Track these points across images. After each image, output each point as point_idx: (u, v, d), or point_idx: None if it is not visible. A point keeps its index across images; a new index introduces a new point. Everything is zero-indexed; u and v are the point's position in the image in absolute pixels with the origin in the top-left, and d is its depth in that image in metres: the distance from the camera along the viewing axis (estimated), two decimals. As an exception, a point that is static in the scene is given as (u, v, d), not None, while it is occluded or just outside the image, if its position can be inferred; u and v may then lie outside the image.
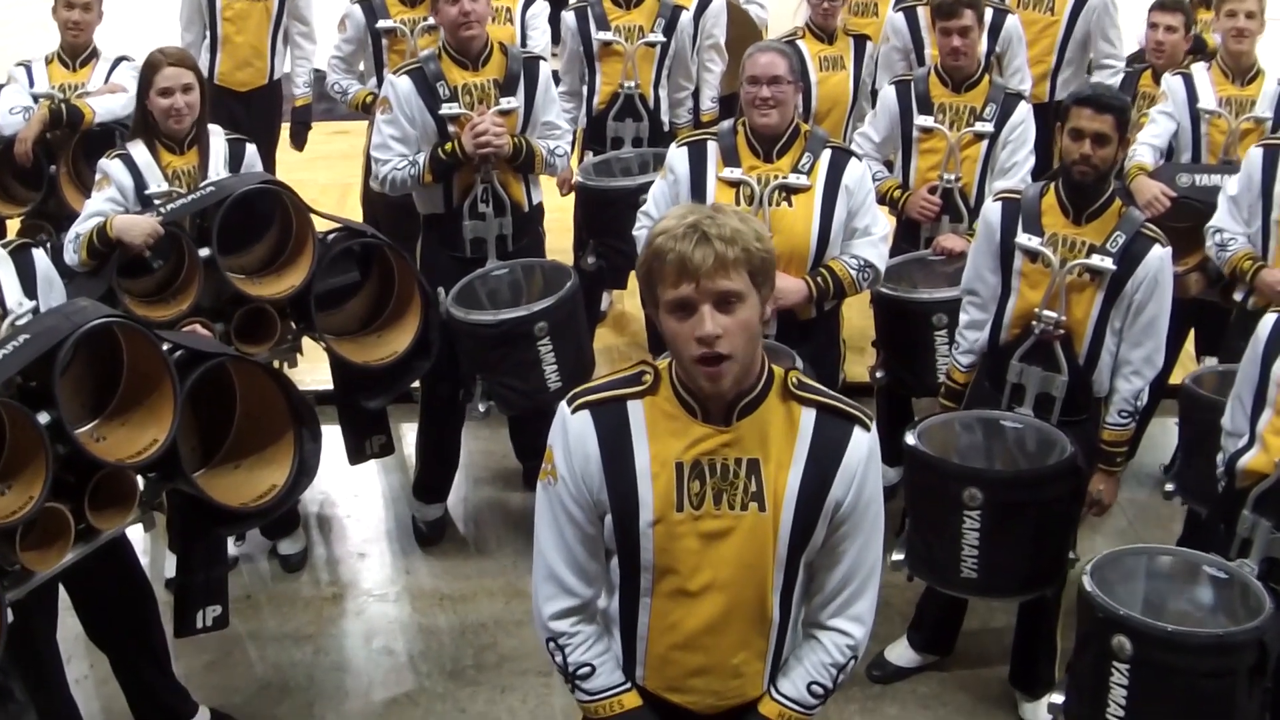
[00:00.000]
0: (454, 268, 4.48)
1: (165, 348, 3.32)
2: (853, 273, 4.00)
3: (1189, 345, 5.12)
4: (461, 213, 4.46)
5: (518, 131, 4.46)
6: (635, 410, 2.35)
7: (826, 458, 2.34)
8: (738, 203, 3.91)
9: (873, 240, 4.03)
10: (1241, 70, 4.89)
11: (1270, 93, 4.85)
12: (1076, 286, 3.67)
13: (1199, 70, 4.95)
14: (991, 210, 3.83)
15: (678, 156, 4.06)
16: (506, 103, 4.42)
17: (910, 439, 3.66)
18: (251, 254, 4.24)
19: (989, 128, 4.70)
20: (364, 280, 4.42)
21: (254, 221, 4.24)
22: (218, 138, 4.29)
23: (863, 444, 2.36)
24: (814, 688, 2.48)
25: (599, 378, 2.46)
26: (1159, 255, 3.62)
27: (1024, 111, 4.73)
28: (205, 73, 6.04)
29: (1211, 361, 4.55)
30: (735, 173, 3.96)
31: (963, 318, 3.99)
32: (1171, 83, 4.98)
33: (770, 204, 3.93)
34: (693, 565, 2.35)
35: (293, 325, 4.25)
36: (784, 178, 3.94)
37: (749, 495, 2.33)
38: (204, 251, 4.01)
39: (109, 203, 4.06)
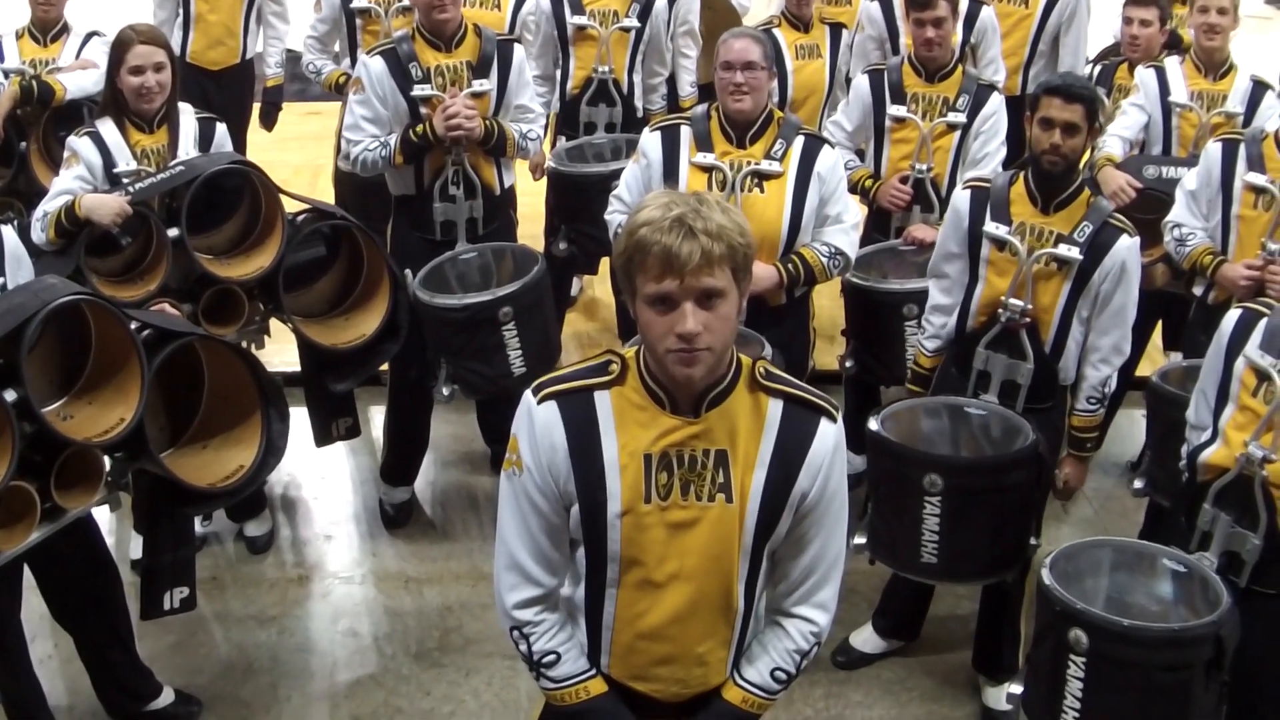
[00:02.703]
0: (424, 250, 4.47)
1: (133, 326, 3.31)
2: (823, 259, 4.01)
3: (1156, 338, 5.16)
4: (432, 194, 4.45)
5: (490, 114, 4.46)
6: (602, 401, 2.33)
7: (793, 449, 2.33)
8: (709, 188, 3.92)
9: (844, 228, 4.05)
10: (1214, 65, 4.92)
11: (1242, 88, 4.89)
12: (1043, 275, 3.69)
13: (1172, 64, 4.99)
14: (960, 198, 3.85)
15: (650, 141, 4.06)
16: (479, 85, 4.41)
17: (873, 424, 3.69)
18: (220, 234, 4.23)
19: (961, 118, 4.72)
20: (332, 262, 4.40)
21: (223, 201, 4.22)
22: (188, 116, 4.26)
23: (829, 435, 2.35)
24: (777, 673, 2.50)
25: (564, 366, 2.45)
26: (1127, 245, 3.65)
27: (996, 103, 4.74)
28: (177, 51, 6.04)
29: (1177, 357, 4.57)
30: (708, 158, 3.97)
31: (929, 303, 4.02)
32: (1144, 75, 5.02)
33: (742, 190, 3.94)
34: (659, 556, 2.35)
35: (260, 306, 4.23)
36: (756, 164, 3.95)
37: (716, 486, 2.32)
38: (172, 232, 3.99)
39: (77, 181, 4.02)
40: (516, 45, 4.57)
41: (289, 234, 4.13)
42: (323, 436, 4.53)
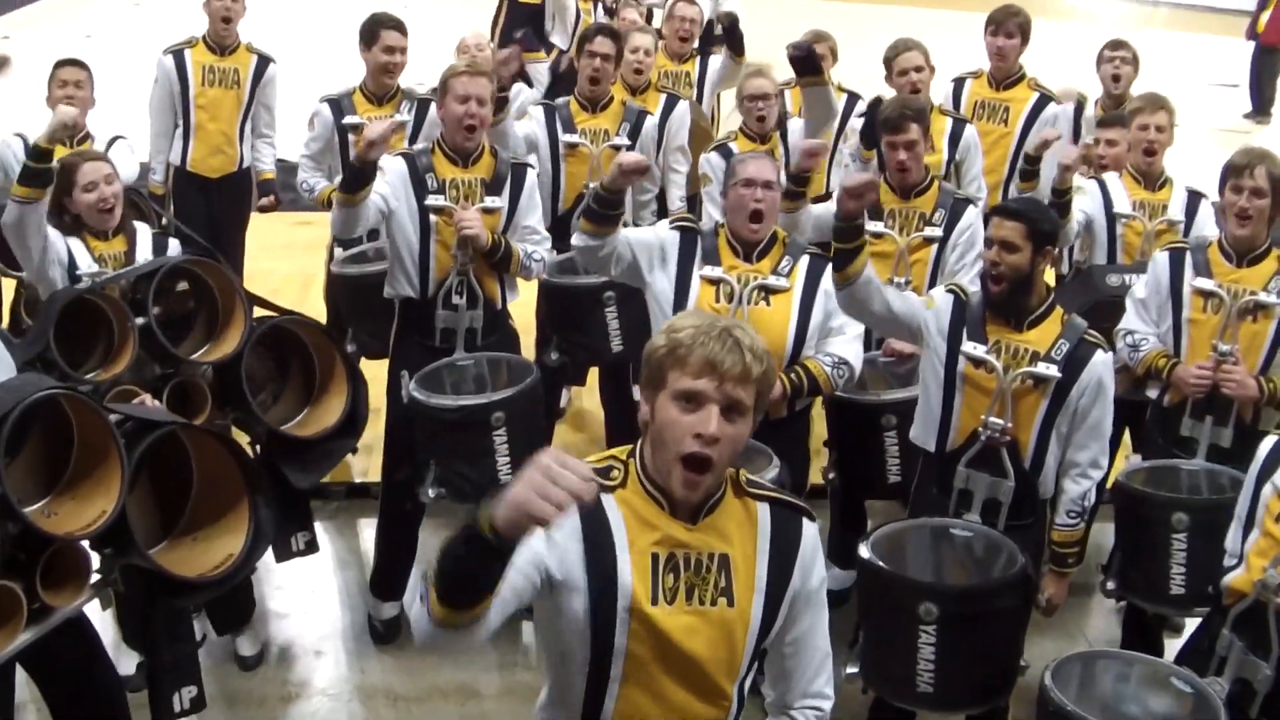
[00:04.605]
0: (422, 355, 4.55)
1: (114, 419, 3.33)
2: (827, 369, 4.09)
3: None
4: (435, 301, 4.54)
5: (499, 231, 4.56)
6: (609, 502, 2.38)
7: (786, 549, 2.44)
8: (717, 300, 4.05)
9: (847, 339, 4.14)
10: (1152, 178, 5.11)
11: (1180, 198, 5.09)
12: (1021, 393, 3.74)
13: (1111, 178, 5.16)
14: (944, 302, 3.89)
15: (672, 239, 4.15)
16: (491, 201, 4.54)
17: (864, 551, 3.63)
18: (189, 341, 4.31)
19: (938, 232, 4.78)
20: (287, 367, 4.47)
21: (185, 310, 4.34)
22: (143, 231, 4.44)
23: (810, 534, 2.48)
24: None
25: None
26: (1102, 361, 3.73)
27: (972, 215, 4.83)
28: (177, 160, 6.26)
29: (1137, 458, 4.61)
30: (716, 271, 4.07)
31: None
32: (1087, 182, 5.18)
33: (749, 303, 4.03)
34: (662, 655, 2.38)
35: (222, 411, 4.27)
36: (764, 279, 4.06)
37: (719, 590, 2.38)
38: (139, 320, 4.06)
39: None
40: (529, 169, 4.72)
41: (250, 328, 4.23)
42: (282, 551, 4.45)
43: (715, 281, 4.06)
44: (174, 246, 4.45)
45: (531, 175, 4.70)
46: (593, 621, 2.37)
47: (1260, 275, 4.25)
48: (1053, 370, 3.69)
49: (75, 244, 4.26)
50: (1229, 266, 4.29)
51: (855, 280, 3.88)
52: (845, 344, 4.12)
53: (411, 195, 4.47)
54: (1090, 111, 6.12)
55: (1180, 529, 3.84)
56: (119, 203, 4.29)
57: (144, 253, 4.34)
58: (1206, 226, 5.00)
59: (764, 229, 4.08)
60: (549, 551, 2.35)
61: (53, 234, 4.21)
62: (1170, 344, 4.39)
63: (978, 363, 3.78)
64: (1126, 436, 4.97)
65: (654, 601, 2.36)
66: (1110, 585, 4.10)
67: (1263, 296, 4.21)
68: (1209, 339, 4.25)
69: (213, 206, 6.38)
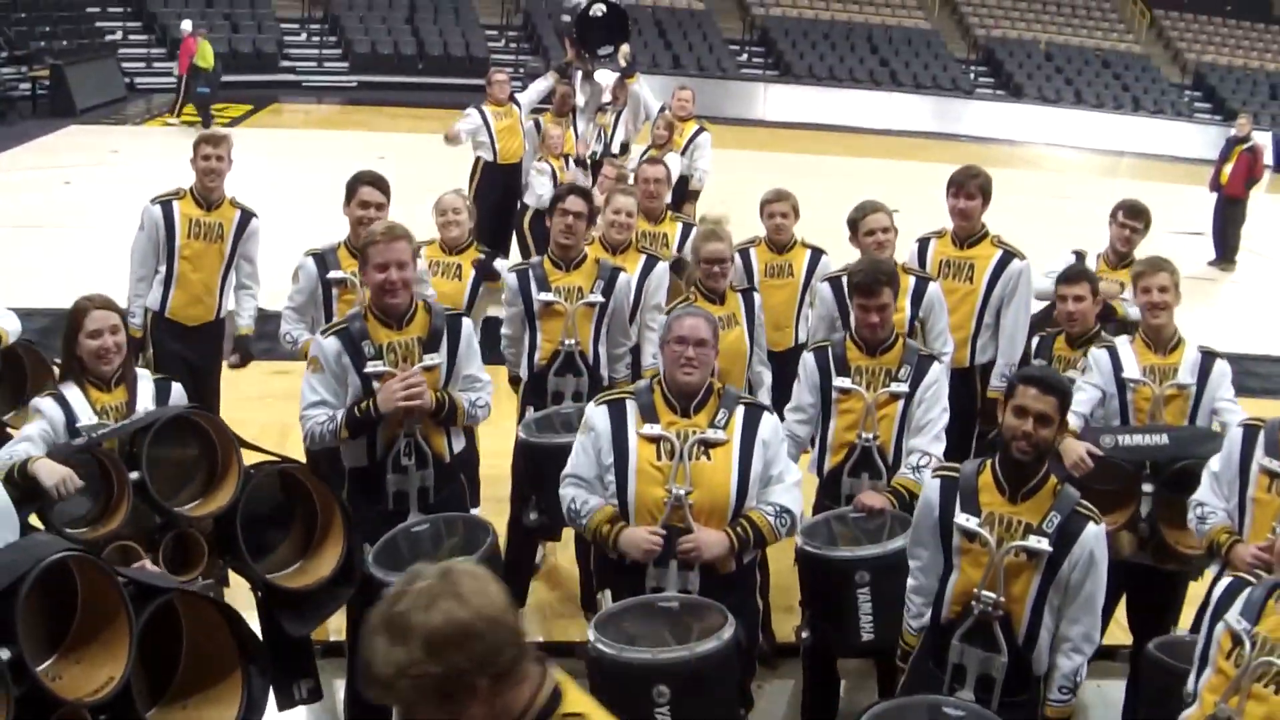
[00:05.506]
0: (377, 520, 4.53)
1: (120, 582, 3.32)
2: (771, 519, 4.10)
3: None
4: (385, 466, 4.55)
5: (440, 386, 4.60)
6: None
7: None
8: (659, 457, 4.06)
9: (787, 486, 4.16)
10: (1163, 341, 5.10)
11: (1190, 360, 5.06)
12: (1014, 567, 3.74)
13: (1122, 343, 5.17)
14: (931, 487, 3.94)
15: (597, 414, 4.19)
16: (429, 360, 4.56)
17: None
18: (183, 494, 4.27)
19: (904, 388, 4.83)
20: (289, 517, 4.43)
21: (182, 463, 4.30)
22: (145, 380, 4.42)
23: None
24: None
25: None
26: (1094, 534, 3.73)
27: (937, 371, 4.89)
28: (156, 307, 6.33)
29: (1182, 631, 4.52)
30: (655, 429, 4.10)
31: (910, 584, 4.08)
32: (1097, 355, 5.18)
33: (690, 458, 4.06)
34: None
35: (219, 560, 4.25)
36: (702, 432, 4.09)
37: None
38: (133, 475, 4.03)
39: (35, 439, 4.11)
40: (465, 319, 4.75)
41: (245, 479, 4.21)
42: (284, 699, 4.38)
43: (655, 439, 4.09)
44: (177, 394, 4.44)
45: (467, 324, 4.74)
46: None
47: None
48: (1044, 544, 3.70)
49: (75, 394, 4.24)
50: None
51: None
52: (785, 492, 4.15)
53: (350, 368, 4.50)
54: (1092, 265, 6.21)
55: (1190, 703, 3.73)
56: (120, 353, 4.30)
57: (145, 401, 4.34)
58: (1221, 387, 5.02)
59: (698, 382, 4.11)
60: None
61: (46, 408, 4.18)
62: (1236, 520, 4.34)
63: (971, 536, 3.79)
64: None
65: None
66: None
67: None
68: (1271, 519, 4.20)
69: (189, 352, 6.42)
